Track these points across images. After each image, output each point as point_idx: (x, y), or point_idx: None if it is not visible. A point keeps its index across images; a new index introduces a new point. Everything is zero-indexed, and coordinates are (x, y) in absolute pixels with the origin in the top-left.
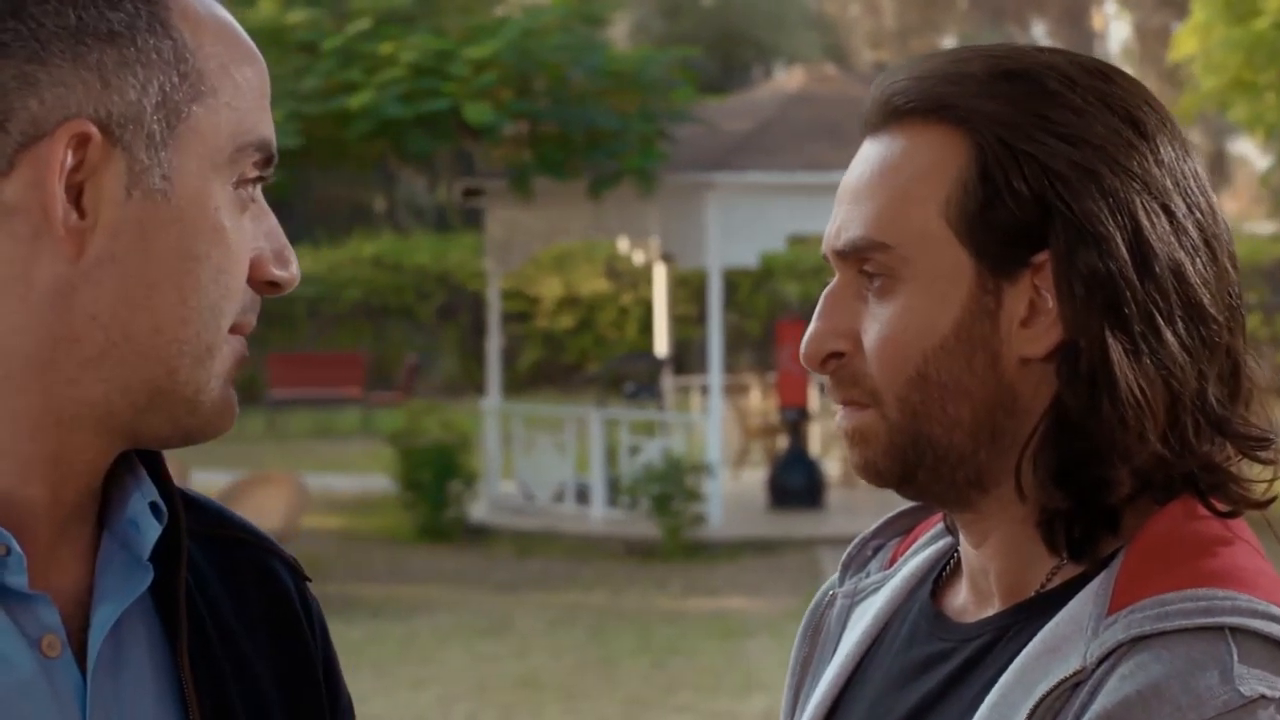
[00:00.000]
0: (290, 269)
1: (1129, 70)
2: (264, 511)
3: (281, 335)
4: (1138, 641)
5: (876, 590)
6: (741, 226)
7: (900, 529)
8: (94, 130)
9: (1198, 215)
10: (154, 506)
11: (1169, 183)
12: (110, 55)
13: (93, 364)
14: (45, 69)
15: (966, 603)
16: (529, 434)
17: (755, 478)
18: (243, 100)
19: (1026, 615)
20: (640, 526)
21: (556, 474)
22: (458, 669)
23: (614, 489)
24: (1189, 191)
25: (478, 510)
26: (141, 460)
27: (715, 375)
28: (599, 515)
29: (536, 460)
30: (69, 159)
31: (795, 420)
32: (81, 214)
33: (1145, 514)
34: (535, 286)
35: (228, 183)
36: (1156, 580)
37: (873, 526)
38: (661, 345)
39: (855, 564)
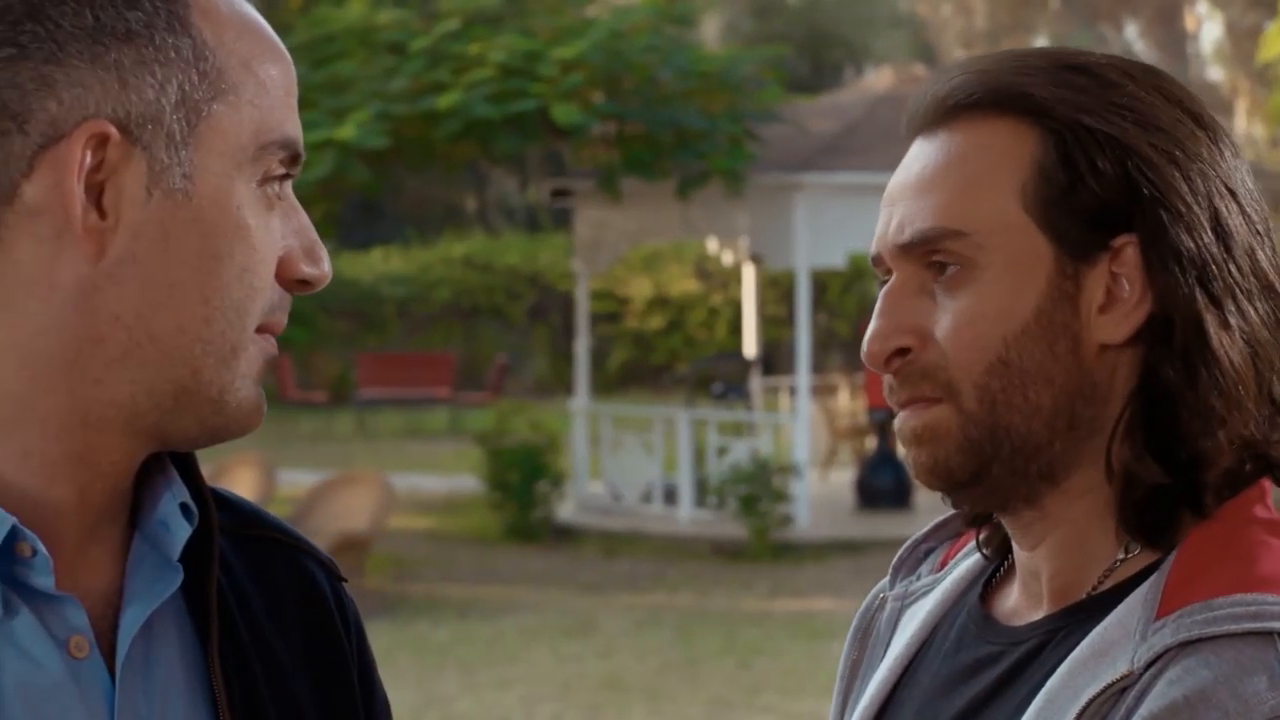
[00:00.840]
0: (321, 266)
1: (1221, 71)
2: (351, 511)
3: (372, 335)
4: (1186, 646)
5: (927, 593)
6: (830, 227)
7: (951, 532)
8: (112, 130)
9: (1254, 204)
10: (184, 508)
11: (1229, 171)
12: (128, 55)
13: (117, 364)
14: (63, 70)
15: (1017, 606)
16: (617, 434)
17: (843, 478)
18: (266, 98)
19: (1076, 618)
20: (727, 527)
21: (644, 474)
22: (543, 669)
23: (701, 489)
24: (1244, 181)
25: (565, 510)
26: (174, 460)
27: (803, 376)
28: (686, 516)
29: (624, 461)
30: (88, 159)
31: (883, 421)
32: (102, 214)
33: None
34: (625, 287)
35: (251, 181)
36: (1205, 584)
37: (924, 530)
38: (750, 346)
39: (906, 567)
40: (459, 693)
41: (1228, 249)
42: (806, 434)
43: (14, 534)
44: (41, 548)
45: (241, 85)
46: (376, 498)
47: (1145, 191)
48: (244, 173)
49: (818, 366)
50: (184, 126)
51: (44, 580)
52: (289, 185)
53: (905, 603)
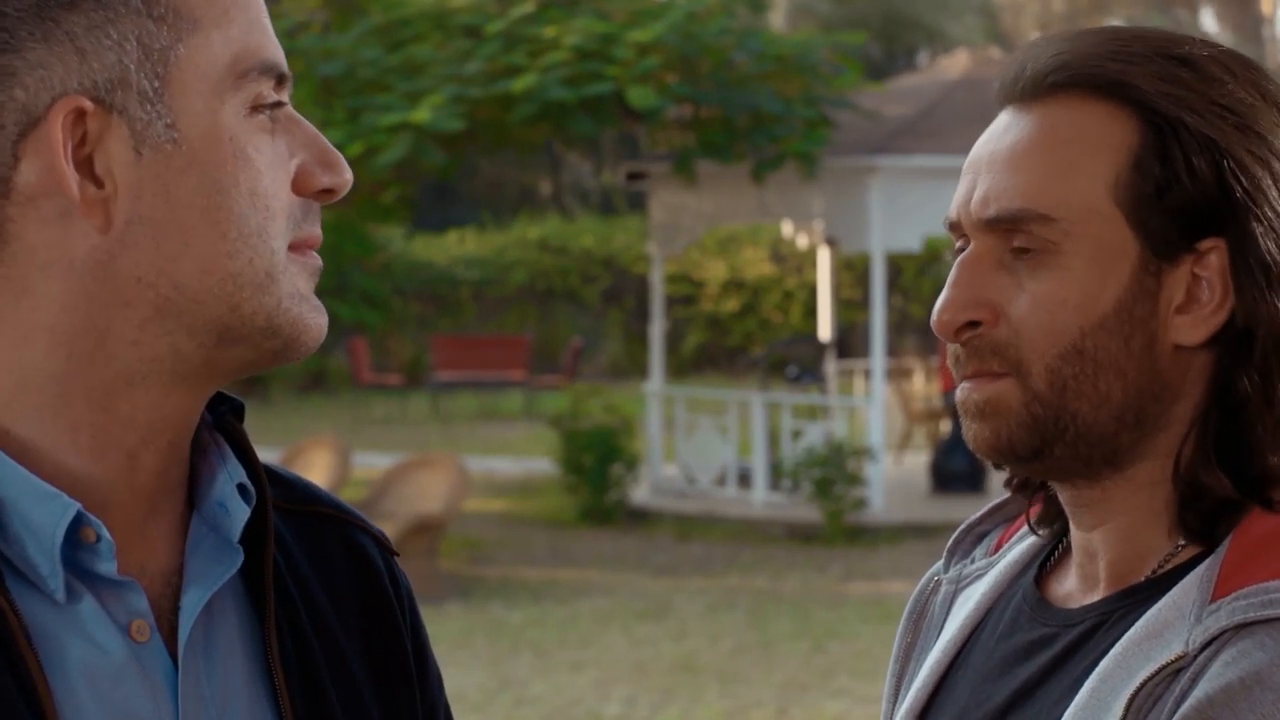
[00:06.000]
0: (340, 173)
1: None
2: (426, 494)
3: (446, 318)
4: (1241, 628)
5: (981, 576)
6: (905, 210)
7: (1006, 516)
8: (86, 102)
9: None
10: (241, 488)
11: None
12: (78, 23)
13: (151, 322)
14: (20, 56)
15: (1072, 589)
16: (691, 417)
17: (917, 462)
18: (233, 26)
19: (1130, 601)
20: (801, 510)
21: (718, 457)
22: (616, 652)
23: (776, 473)
24: None
25: (639, 493)
26: (228, 438)
27: (878, 359)
28: (760, 499)
29: (698, 444)
30: (69, 137)
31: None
32: (98, 184)
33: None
34: (700, 270)
35: (240, 110)
36: (1261, 568)
37: (978, 513)
38: (825, 329)
39: (960, 550)
40: (532, 675)
41: None
42: (881, 417)
43: (78, 520)
44: (105, 533)
45: (203, 19)
46: (451, 480)
47: (1239, 197)
48: (229, 104)
49: (892, 350)
50: (153, 78)
51: (107, 566)
52: (286, 108)
53: (959, 586)
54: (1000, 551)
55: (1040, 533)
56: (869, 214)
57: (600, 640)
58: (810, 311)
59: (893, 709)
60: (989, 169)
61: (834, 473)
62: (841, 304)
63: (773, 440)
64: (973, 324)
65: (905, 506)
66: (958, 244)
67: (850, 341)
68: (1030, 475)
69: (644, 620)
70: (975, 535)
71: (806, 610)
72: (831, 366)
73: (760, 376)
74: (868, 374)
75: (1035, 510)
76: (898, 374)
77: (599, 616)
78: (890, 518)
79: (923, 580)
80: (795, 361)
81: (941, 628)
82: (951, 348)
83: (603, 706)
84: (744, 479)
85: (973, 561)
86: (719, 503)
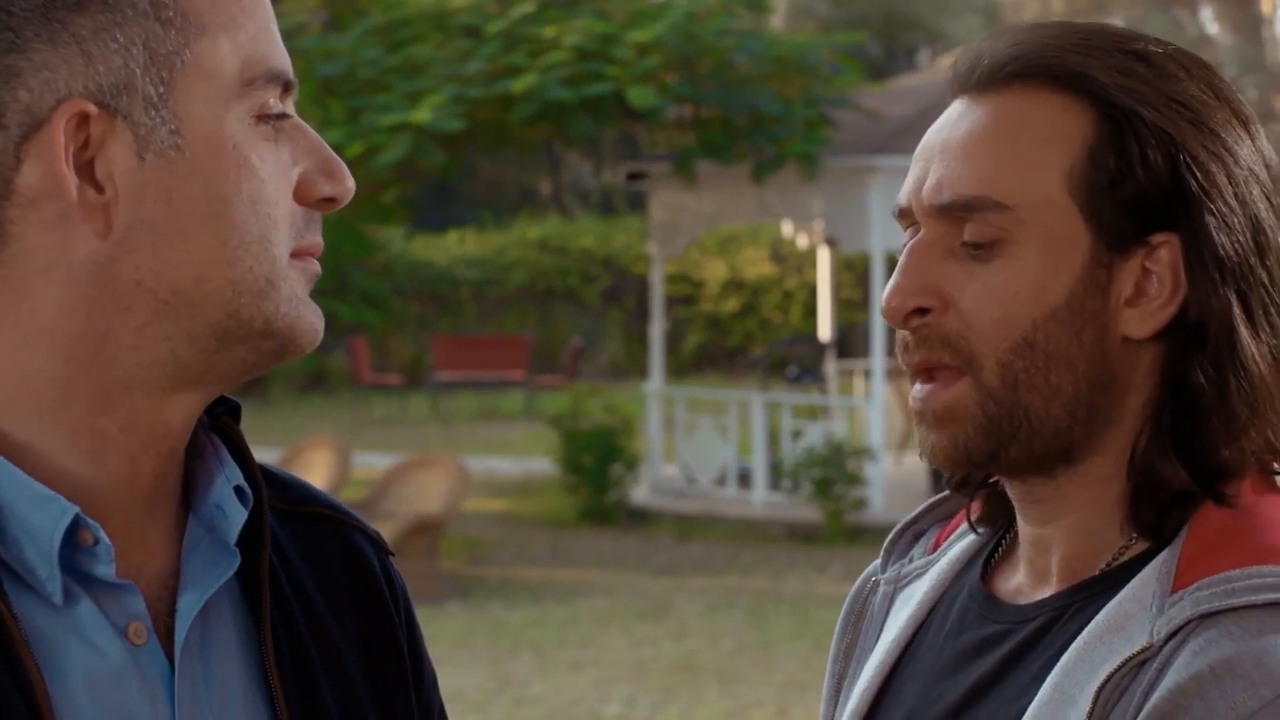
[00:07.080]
0: (342, 182)
1: None
2: (426, 494)
3: (446, 318)
4: (1206, 618)
5: (920, 575)
6: None
7: (943, 514)
8: (90, 106)
9: None
10: (239, 491)
11: (1265, 175)
12: (85, 25)
13: (149, 326)
14: (25, 57)
15: (1021, 584)
16: (691, 417)
17: (917, 462)
18: (240, 32)
19: (1085, 595)
20: (801, 510)
21: (718, 457)
22: (616, 652)
23: (776, 473)
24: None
25: (639, 493)
26: (224, 440)
27: (878, 359)
28: (760, 499)
29: (698, 444)
30: (72, 141)
31: None
32: (99, 189)
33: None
34: (700, 270)
35: (246, 118)
36: (1221, 557)
37: (914, 512)
38: (825, 329)
39: (897, 549)
40: (532, 675)
41: (1263, 256)
42: (881, 417)
43: (76, 523)
44: (104, 536)
45: (211, 25)
46: (451, 480)
47: (1193, 191)
48: (233, 111)
49: (892, 350)
50: (158, 84)
51: (105, 569)
52: (291, 117)
53: (898, 586)
54: (939, 550)
55: (979, 531)
56: (869, 214)
57: (600, 640)
58: (810, 311)
59: (833, 711)
60: (942, 156)
61: (834, 473)
62: (841, 304)
63: (773, 440)
64: (922, 310)
65: (905, 506)
66: (906, 232)
67: (850, 341)
68: (985, 474)
69: (644, 620)
70: (912, 534)
71: (806, 610)
72: (831, 366)
73: (760, 376)
74: (868, 374)
75: (975, 509)
76: (898, 374)
77: (599, 616)
78: (890, 518)
79: (859, 580)
80: (795, 361)
81: (882, 628)
82: (900, 334)
83: (603, 706)
84: (744, 479)
85: (911, 561)
86: (719, 503)
